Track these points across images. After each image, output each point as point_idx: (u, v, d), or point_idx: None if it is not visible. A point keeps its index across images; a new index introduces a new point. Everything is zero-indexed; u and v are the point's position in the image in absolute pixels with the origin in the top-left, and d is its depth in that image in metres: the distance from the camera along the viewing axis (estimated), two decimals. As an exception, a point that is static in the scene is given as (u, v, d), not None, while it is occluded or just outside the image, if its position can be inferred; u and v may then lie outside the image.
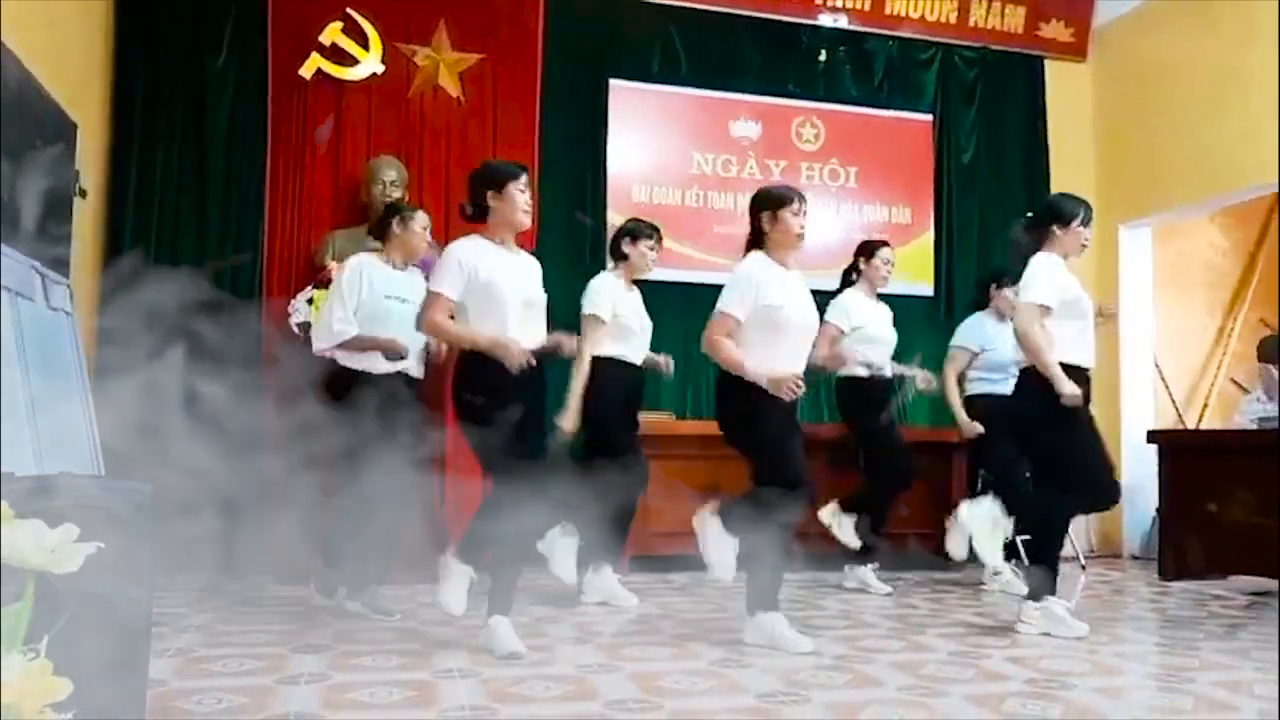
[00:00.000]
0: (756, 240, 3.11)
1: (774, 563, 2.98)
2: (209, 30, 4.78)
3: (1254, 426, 5.22)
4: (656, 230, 3.87)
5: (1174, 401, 6.50)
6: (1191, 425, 6.49)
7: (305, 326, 4.16)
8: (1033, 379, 3.25)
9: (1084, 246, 3.41)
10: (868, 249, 4.31)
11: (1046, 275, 3.28)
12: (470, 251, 2.86)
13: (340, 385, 3.35)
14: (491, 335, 2.78)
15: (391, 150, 4.87)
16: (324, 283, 4.29)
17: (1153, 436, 4.80)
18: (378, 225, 3.63)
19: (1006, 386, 3.85)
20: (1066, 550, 5.37)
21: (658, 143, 5.48)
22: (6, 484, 1.89)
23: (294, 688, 2.45)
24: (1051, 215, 3.42)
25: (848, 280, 4.31)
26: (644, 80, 5.47)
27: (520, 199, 2.89)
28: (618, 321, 3.71)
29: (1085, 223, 3.40)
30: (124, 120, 4.61)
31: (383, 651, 2.83)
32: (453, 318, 2.90)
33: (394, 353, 3.41)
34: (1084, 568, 5.21)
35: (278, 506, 3.28)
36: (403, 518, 3.29)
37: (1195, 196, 5.59)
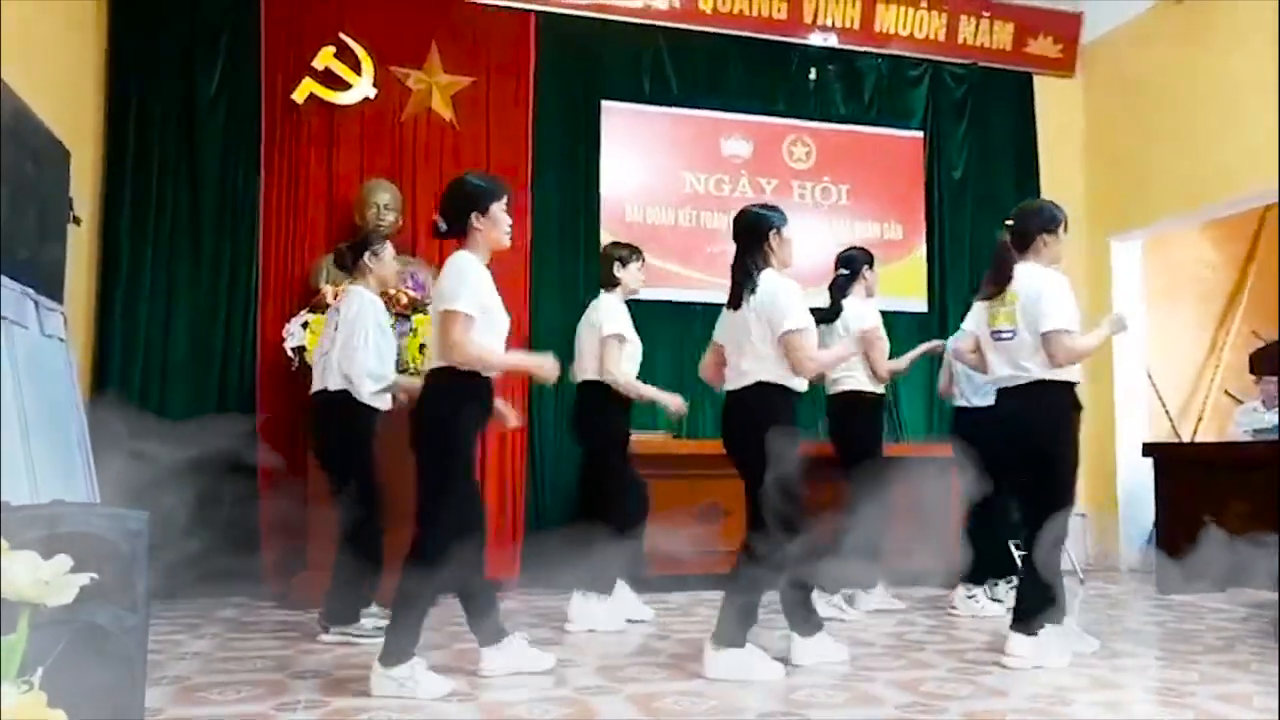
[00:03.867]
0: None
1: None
2: (201, 56, 4.80)
3: (1249, 438, 5.24)
4: (639, 250, 3.96)
5: (1168, 414, 6.51)
6: (1186, 438, 6.50)
7: (300, 350, 4.16)
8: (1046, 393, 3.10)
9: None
10: (868, 257, 4.21)
11: (1065, 295, 3.11)
12: (480, 270, 2.73)
13: (365, 423, 3.43)
14: (521, 356, 2.80)
15: (384, 173, 4.89)
16: (318, 307, 4.30)
17: (1148, 449, 4.81)
18: (346, 258, 3.63)
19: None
20: (1065, 564, 5.39)
21: (650, 163, 5.51)
22: (1, 513, 1.89)
23: (292, 715, 2.44)
24: (1041, 221, 3.26)
25: (843, 291, 4.11)
26: (635, 101, 5.50)
27: (505, 220, 2.79)
28: (629, 347, 3.75)
29: (1066, 229, 3.28)
30: (117, 146, 4.61)
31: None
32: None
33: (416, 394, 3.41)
34: (1082, 581, 5.20)
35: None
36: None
37: (1185, 209, 5.64)
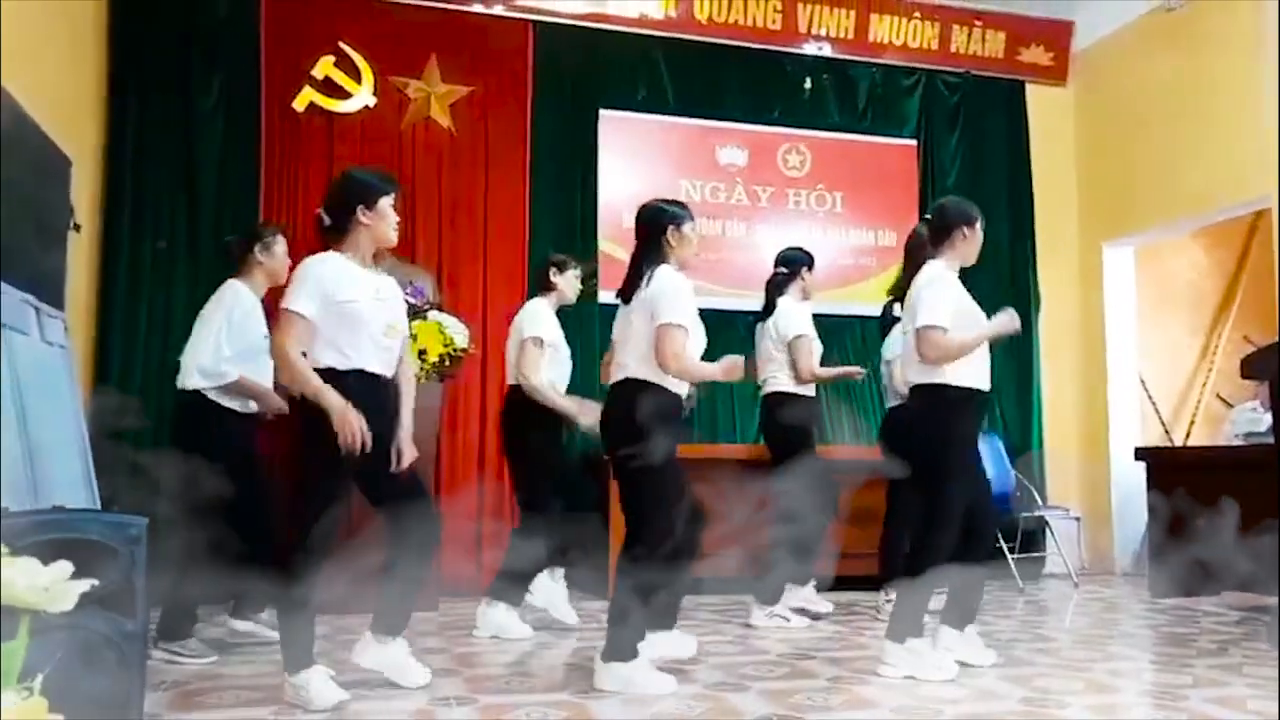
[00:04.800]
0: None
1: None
2: (201, 64, 4.82)
3: (1241, 441, 5.28)
4: (579, 260, 4.01)
5: (1161, 419, 6.55)
6: (1179, 442, 6.54)
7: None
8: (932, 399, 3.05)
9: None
10: (808, 258, 4.19)
11: (944, 291, 3.04)
12: (330, 268, 2.63)
13: (212, 422, 3.18)
14: (333, 401, 2.51)
15: (383, 181, 4.91)
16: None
17: (1141, 454, 4.84)
18: (234, 249, 3.43)
19: None
20: (1059, 568, 5.43)
21: (647, 171, 5.54)
22: (1, 519, 1.90)
23: (291, 719, 2.45)
24: (959, 217, 3.16)
25: (780, 290, 4.11)
26: (632, 110, 5.54)
27: (392, 215, 2.72)
28: (554, 351, 3.75)
29: (983, 225, 3.19)
30: (118, 155, 4.63)
31: (379, 681, 2.82)
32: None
33: (271, 406, 3.23)
34: (1076, 585, 5.23)
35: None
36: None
37: (1177, 216, 5.68)
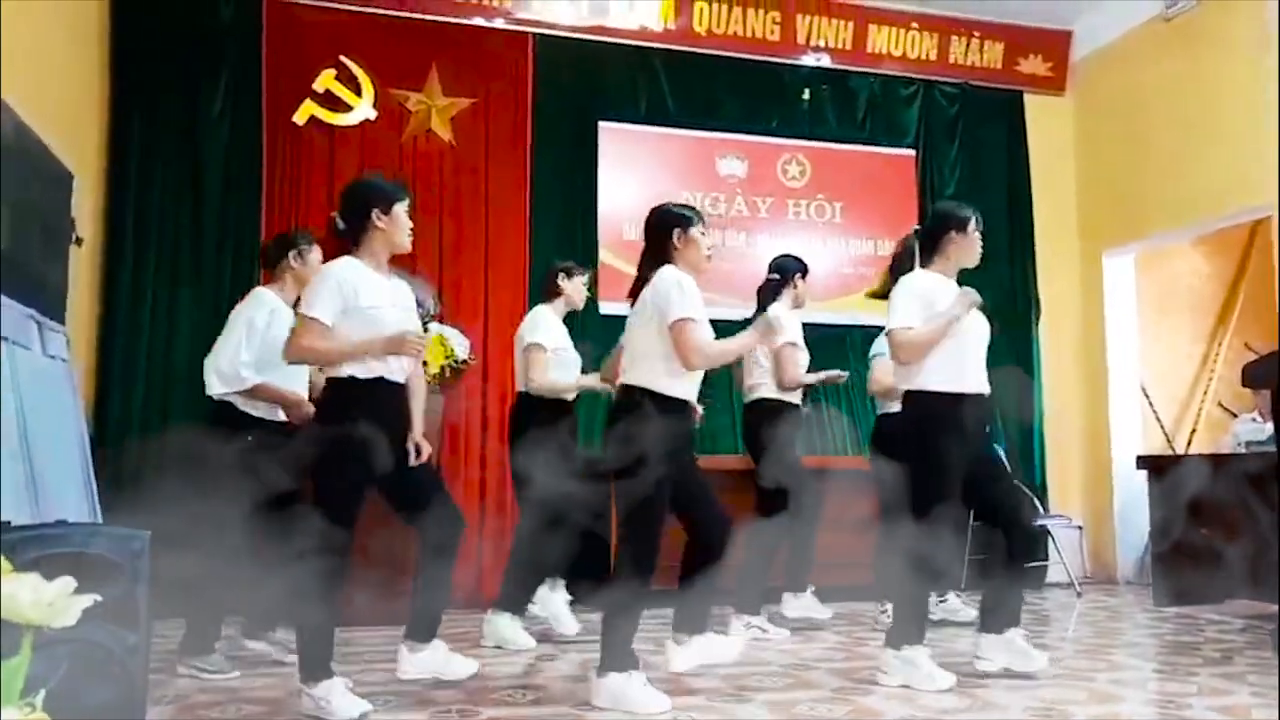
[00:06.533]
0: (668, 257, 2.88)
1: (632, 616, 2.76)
2: (204, 78, 4.85)
3: (1243, 450, 5.27)
4: (586, 266, 4.07)
5: (1162, 426, 6.55)
6: (1180, 450, 6.54)
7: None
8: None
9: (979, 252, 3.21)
10: (801, 266, 4.14)
11: (911, 294, 3.07)
12: (350, 273, 2.67)
13: (234, 429, 3.15)
14: (381, 341, 2.59)
15: (384, 194, 4.93)
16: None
17: (1143, 462, 4.84)
18: (270, 254, 3.42)
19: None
20: (1061, 577, 5.41)
21: (647, 182, 5.55)
22: (4, 534, 1.91)
23: (293, 733, 2.45)
24: (944, 222, 3.20)
25: (772, 296, 4.04)
26: (632, 121, 5.56)
27: (406, 221, 2.77)
28: (560, 354, 3.78)
29: (978, 225, 3.18)
30: (120, 168, 4.65)
31: (384, 693, 2.81)
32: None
33: (301, 415, 3.19)
34: (1079, 594, 5.21)
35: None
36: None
37: (1176, 224, 5.69)
